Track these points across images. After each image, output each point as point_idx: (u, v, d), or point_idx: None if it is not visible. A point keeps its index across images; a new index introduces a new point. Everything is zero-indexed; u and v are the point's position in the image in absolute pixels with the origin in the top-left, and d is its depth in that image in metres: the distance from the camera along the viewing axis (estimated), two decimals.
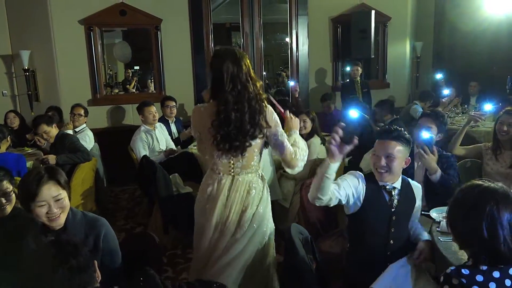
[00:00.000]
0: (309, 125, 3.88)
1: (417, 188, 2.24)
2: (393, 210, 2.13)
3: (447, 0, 7.13)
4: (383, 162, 2.10)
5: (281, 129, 2.15)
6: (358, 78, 6.10)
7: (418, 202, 2.23)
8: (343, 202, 2.12)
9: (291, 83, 6.07)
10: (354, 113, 1.95)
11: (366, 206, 2.13)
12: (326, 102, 5.75)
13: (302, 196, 2.78)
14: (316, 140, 3.86)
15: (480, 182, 1.51)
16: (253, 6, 6.03)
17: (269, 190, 2.31)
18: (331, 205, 2.09)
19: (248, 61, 2.13)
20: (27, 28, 5.54)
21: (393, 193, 2.14)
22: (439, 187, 2.55)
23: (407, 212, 2.17)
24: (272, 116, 2.13)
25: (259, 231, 2.21)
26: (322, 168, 1.91)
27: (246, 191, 2.17)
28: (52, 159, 3.70)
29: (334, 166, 1.89)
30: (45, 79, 5.63)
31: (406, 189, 2.19)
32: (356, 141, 1.81)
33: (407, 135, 2.16)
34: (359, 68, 6.04)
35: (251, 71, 2.12)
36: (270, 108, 2.15)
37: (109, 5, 5.42)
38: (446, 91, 5.69)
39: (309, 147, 3.65)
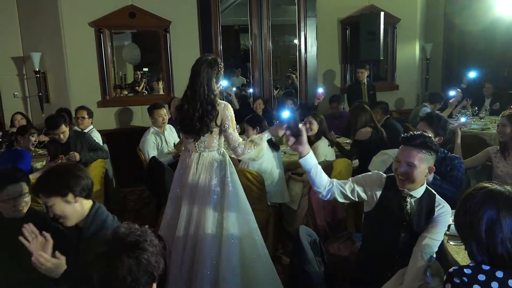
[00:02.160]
0: (315, 127, 3.88)
1: (442, 207, 2.08)
2: (407, 216, 2.11)
3: (457, 1, 7.08)
4: (403, 169, 2.06)
5: (230, 123, 2.60)
6: (365, 81, 6.08)
7: (441, 229, 2.03)
8: (352, 197, 2.18)
9: (320, 90, 5.93)
10: (286, 114, 2.20)
11: (380, 206, 2.15)
12: (334, 103, 5.73)
13: (311, 198, 2.79)
14: (323, 142, 3.85)
15: (487, 185, 1.51)
16: (262, 8, 6.05)
17: (233, 168, 2.74)
18: (339, 200, 2.19)
19: (215, 72, 2.61)
20: (38, 30, 5.62)
21: (408, 199, 2.11)
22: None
23: (421, 223, 2.11)
24: (225, 112, 2.59)
25: (226, 197, 2.65)
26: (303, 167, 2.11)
27: (209, 163, 2.68)
28: (77, 156, 3.86)
29: (305, 160, 2.07)
30: (55, 81, 5.70)
31: (426, 200, 2.12)
32: (302, 131, 2.03)
33: (433, 143, 2.08)
34: (364, 71, 6.02)
35: (213, 81, 2.59)
36: (223, 104, 2.60)
37: (118, 7, 5.48)
38: (452, 92, 5.64)
39: (316, 149, 3.70)
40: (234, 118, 2.65)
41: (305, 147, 2.07)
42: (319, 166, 2.14)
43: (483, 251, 1.42)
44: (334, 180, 2.19)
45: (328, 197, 2.17)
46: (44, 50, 5.58)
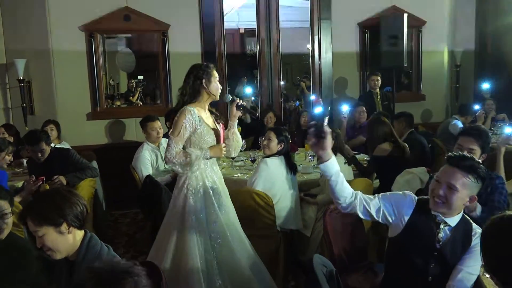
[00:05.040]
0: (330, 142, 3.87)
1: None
2: (438, 245, 2.10)
3: (490, 2, 7.11)
4: (442, 191, 2.04)
5: (171, 131, 2.86)
6: (378, 90, 6.09)
7: (478, 261, 1.98)
8: (376, 217, 2.17)
9: (312, 97, 6.00)
10: (318, 109, 2.26)
11: (408, 232, 2.13)
12: (360, 107, 5.70)
13: (326, 223, 2.77)
14: (339, 160, 3.82)
15: None
16: (271, 9, 6.12)
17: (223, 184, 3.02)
18: (360, 215, 2.19)
19: (194, 72, 2.89)
20: (22, 34, 5.70)
21: (441, 226, 2.10)
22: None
23: (455, 254, 2.09)
24: (176, 115, 2.85)
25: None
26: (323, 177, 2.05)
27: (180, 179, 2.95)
28: (63, 180, 3.85)
29: (326, 166, 2.07)
30: (41, 91, 5.78)
31: (462, 228, 2.11)
32: (327, 128, 2.02)
33: (483, 170, 2.06)
34: (378, 79, 6.05)
35: (187, 81, 2.90)
36: (181, 110, 2.85)
37: (112, 9, 5.58)
38: (476, 106, 5.67)
39: None
40: (180, 122, 2.80)
41: (328, 152, 2.08)
42: (342, 175, 2.14)
43: None
44: (359, 193, 2.19)
45: (348, 210, 2.18)
46: (29, 57, 5.66)
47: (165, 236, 2.90)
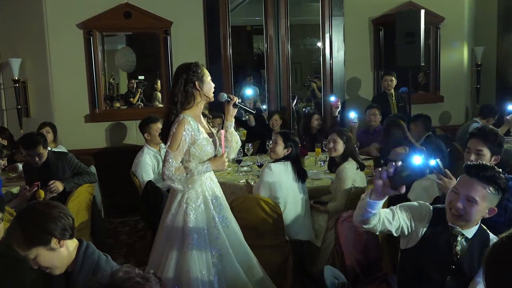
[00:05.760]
0: (341, 146, 3.87)
1: None
2: (455, 258, 2.09)
3: None
4: (461, 204, 2.03)
5: (168, 141, 2.76)
6: (392, 91, 6.07)
7: None
8: (394, 234, 2.16)
9: (332, 98, 6.01)
10: (417, 159, 1.82)
11: (423, 244, 2.13)
12: (373, 109, 5.66)
13: (338, 232, 2.77)
14: (350, 165, 3.82)
15: None
16: (279, 5, 6.14)
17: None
18: (377, 233, 2.17)
19: (184, 75, 2.78)
20: (18, 32, 5.76)
21: (458, 239, 2.10)
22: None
23: (473, 267, 2.09)
24: (172, 126, 2.75)
25: None
26: (362, 202, 1.99)
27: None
28: (59, 185, 3.85)
29: (376, 203, 1.95)
30: (37, 91, 5.83)
31: (479, 239, 2.10)
32: (403, 190, 1.84)
33: (503, 181, 2.05)
34: (393, 79, 6.03)
35: (177, 86, 2.79)
36: (177, 119, 2.75)
37: (111, 6, 5.62)
38: (510, 106, 5.59)
39: (341, 172, 3.69)
40: (179, 134, 2.71)
41: (385, 196, 1.95)
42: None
43: None
44: (382, 214, 2.12)
45: (367, 229, 2.15)
46: (24, 56, 5.71)
47: (163, 252, 2.86)
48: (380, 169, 1.88)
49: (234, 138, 3.03)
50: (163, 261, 2.81)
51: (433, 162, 2.55)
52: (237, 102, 2.96)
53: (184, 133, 2.72)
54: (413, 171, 1.81)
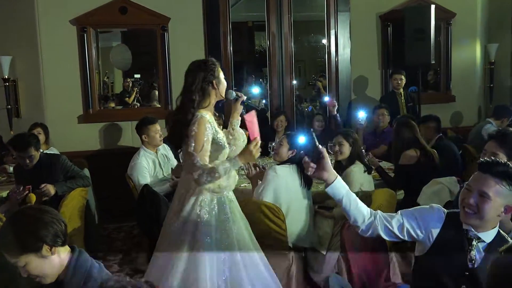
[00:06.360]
0: (347, 149, 3.87)
1: None
2: (470, 265, 2.08)
3: None
4: (473, 200, 2.04)
5: (190, 143, 2.71)
6: (402, 90, 6.07)
7: None
8: (400, 235, 2.16)
9: (326, 98, 6.02)
10: (302, 139, 2.24)
11: (436, 249, 2.12)
12: (381, 109, 5.66)
13: (344, 239, 2.76)
14: (357, 168, 3.82)
15: None
16: (282, 0, 6.14)
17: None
18: (384, 237, 2.19)
19: (202, 74, 2.81)
20: (8, 29, 5.76)
21: (474, 243, 2.08)
22: None
23: None
24: (192, 126, 2.72)
25: None
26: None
27: (182, 186, 2.93)
28: (51, 189, 3.86)
29: (333, 189, 2.09)
30: (28, 91, 5.84)
31: (497, 245, 2.05)
32: (320, 147, 2.06)
33: None
34: (402, 78, 6.03)
35: (195, 84, 2.79)
36: (195, 119, 2.74)
37: (106, 1, 5.63)
38: None
39: (348, 176, 3.69)
40: (202, 134, 2.72)
41: (330, 171, 2.10)
42: (353, 194, 2.15)
43: None
44: (378, 212, 2.18)
45: (369, 233, 2.17)
46: (15, 54, 5.72)
47: (168, 259, 2.82)
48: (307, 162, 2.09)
49: (241, 136, 3.06)
50: (170, 266, 2.78)
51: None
52: (244, 99, 3.01)
53: (206, 132, 2.74)
54: (303, 147, 2.21)
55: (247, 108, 3.18)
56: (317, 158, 2.07)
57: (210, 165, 2.68)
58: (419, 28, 6.02)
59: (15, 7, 5.68)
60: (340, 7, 6.27)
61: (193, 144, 2.70)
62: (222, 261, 2.80)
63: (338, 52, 6.32)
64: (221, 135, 2.88)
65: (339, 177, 2.12)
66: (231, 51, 6.03)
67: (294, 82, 6.54)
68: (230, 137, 3.04)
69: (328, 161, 2.09)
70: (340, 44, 6.33)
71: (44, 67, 5.60)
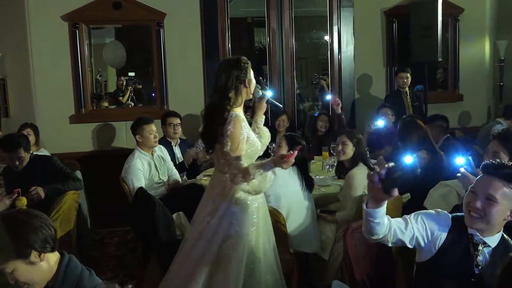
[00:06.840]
0: (350, 149, 3.86)
1: None
2: (476, 270, 2.09)
3: None
4: (479, 204, 2.05)
5: (226, 142, 2.75)
6: (407, 89, 6.08)
7: None
8: (409, 245, 2.16)
9: (328, 97, 6.02)
10: (409, 159, 1.86)
11: (441, 255, 2.13)
12: (385, 109, 5.64)
13: (347, 244, 2.76)
14: (361, 170, 3.81)
15: None
16: None
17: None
18: (390, 245, 2.18)
19: (235, 72, 2.85)
20: None
21: (479, 248, 2.09)
22: None
23: (496, 279, 2.09)
24: (227, 126, 2.76)
25: None
26: (363, 212, 2.01)
27: (216, 185, 2.96)
28: (42, 192, 3.83)
29: (374, 212, 1.96)
30: (17, 89, 5.83)
31: (502, 249, 2.10)
32: (395, 193, 1.85)
33: None
34: (408, 76, 6.04)
35: (229, 82, 2.83)
36: (230, 118, 2.78)
37: None
38: None
39: (351, 179, 3.70)
40: (238, 134, 2.76)
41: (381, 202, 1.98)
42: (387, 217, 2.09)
43: None
44: (393, 223, 2.13)
45: (378, 241, 2.16)
46: (4, 51, 5.73)
47: (193, 271, 2.89)
48: (372, 172, 1.89)
49: (266, 134, 3.13)
50: (192, 279, 2.85)
51: (461, 160, 2.57)
52: (269, 97, 3.08)
53: (242, 131, 2.80)
54: (404, 171, 1.82)
55: (271, 107, 3.28)
56: (385, 190, 1.87)
57: (245, 166, 2.74)
58: (425, 24, 6.03)
59: (4, 1, 5.68)
60: (343, 2, 6.28)
61: (229, 144, 2.76)
62: (246, 265, 2.87)
63: (341, 49, 6.33)
64: (254, 134, 2.94)
65: (381, 208, 2.00)
66: (230, 48, 6.03)
67: (295, 80, 6.54)
68: (256, 135, 3.08)
69: (385, 198, 1.95)
70: (343, 41, 6.33)
71: (34, 64, 5.59)
